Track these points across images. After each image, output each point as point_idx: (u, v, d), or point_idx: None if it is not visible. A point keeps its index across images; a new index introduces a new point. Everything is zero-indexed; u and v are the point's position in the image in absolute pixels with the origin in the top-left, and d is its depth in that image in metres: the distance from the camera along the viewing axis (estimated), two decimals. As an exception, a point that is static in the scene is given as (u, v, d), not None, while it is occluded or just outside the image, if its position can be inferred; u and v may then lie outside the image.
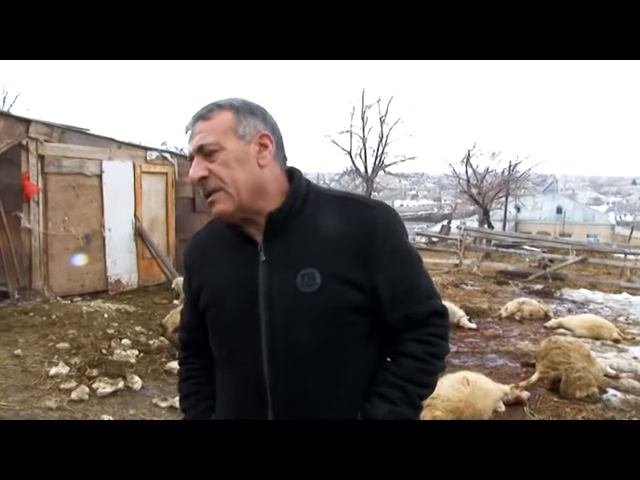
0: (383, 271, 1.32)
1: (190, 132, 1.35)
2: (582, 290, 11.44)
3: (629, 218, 58.89)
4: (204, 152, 1.31)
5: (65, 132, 8.26)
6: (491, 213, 27.54)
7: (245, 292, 1.34)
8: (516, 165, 27.29)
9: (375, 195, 28.15)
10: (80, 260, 8.35)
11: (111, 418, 4.06)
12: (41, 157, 7.82)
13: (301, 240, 1.33)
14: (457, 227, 20.52)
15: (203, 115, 1.33)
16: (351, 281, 1.30)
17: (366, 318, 1.33)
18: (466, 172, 26.91)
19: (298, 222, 1.34)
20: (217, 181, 1.31)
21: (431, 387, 1.40)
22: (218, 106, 1.33)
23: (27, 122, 7.69)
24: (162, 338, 5.98)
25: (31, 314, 6.70)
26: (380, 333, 1.37)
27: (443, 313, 1.40)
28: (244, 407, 1.38)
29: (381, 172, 27.95)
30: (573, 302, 10.28)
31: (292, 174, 1.40)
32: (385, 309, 1.33)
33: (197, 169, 1.32)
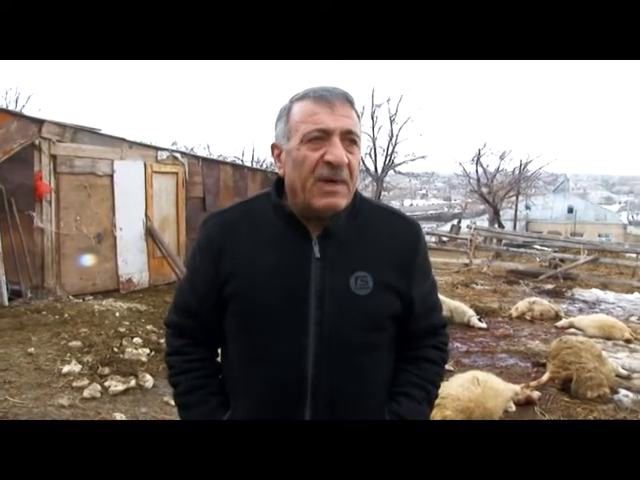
0: (418, 285, 1.42)
1: (330, 106, 1.27)
2: (593, 290, 11.37)
3: (641, 217, 58.32)
4: (349, 139, 1.28)
5: (77, 132, 8.33)
6: (501, 212, 27.46)
7: (294, 287, 1.30)
8: (527, 164, 27.28)
9: (385, 194, 28.13)
10: (87, 260, 8.40)
11: (123, 416, 4.09)
12: (53, 157, 7.90)
13: (355, 243, 1.35)
14: (467, 226, 20.46)
15: (351, 101, 1.30)
16: (394, 289, 1.36)
17: (396, 324, 1.40)
18: (476, 171, 26.88)
19: (353, 226, 1.37)
20: (348, 174, 1.28)
21: (440, 388, 1.52)
22: (353, 99, 1.32)
23: (40, 122, 7.77)
24: (173, 337, 6.01)
25: (44, 313, 6.77)
26: (400, 337, 1.45)
27: (447, 325, 1.57)
28: (277, 407, 1.32)
29: (391, 171, 27.95)
30: (584, 302, 10.22)
31: None
32: (414, 318, 1.43)
33: (343, 153, 1.26)
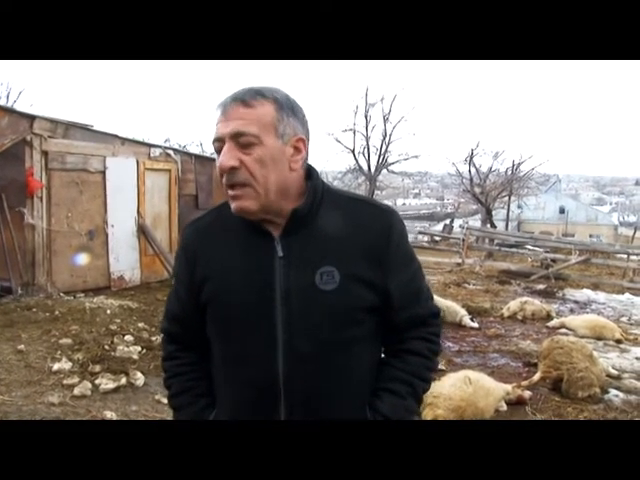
0: (395, 274, 1.36)
1: (224, 113, 1.28)
2: (585, 290, 11.43)
3: (632, 218, 58.78)
4: (240, 141, 1.25)
5: (69, 128, 8.26)
6: (494, 212, 27.51)
7: (260, 287, 1.31)
8: (519, 164, 27.30)
9: (378, 194, 28.16)
10: (82, 259, 8.36)
11: (113, 414, 4.07)
12: (45, 153, 7.83)
13: (319, 238, 1.32)
14: (460, 226, 20.51)
15: (245, 100, 1.26)
16: (366, 281, 1.32)
17: (375, 316, 1.37)
18: (469, 171, 26.89)
19: (315, 220, 1.33)
20: (247, 175, 1.26)
21: (431, 382, 1.47)
22: (262, 95, 1.27)
23: (31, 118, 7.70)
24: (164, 335, 6.00)
25: (34, 310, 6.72)
26: (383, 331, 1.41)
27: (438, 314, 1.50)
28: (253, 407, 1.33)
29: (384, 171, 27.89)
30: (575, 302, 10.28)
31: (310, 172, 1.38)
32: (394, 309, 1.38)
33: (229, 157, 1.25)
